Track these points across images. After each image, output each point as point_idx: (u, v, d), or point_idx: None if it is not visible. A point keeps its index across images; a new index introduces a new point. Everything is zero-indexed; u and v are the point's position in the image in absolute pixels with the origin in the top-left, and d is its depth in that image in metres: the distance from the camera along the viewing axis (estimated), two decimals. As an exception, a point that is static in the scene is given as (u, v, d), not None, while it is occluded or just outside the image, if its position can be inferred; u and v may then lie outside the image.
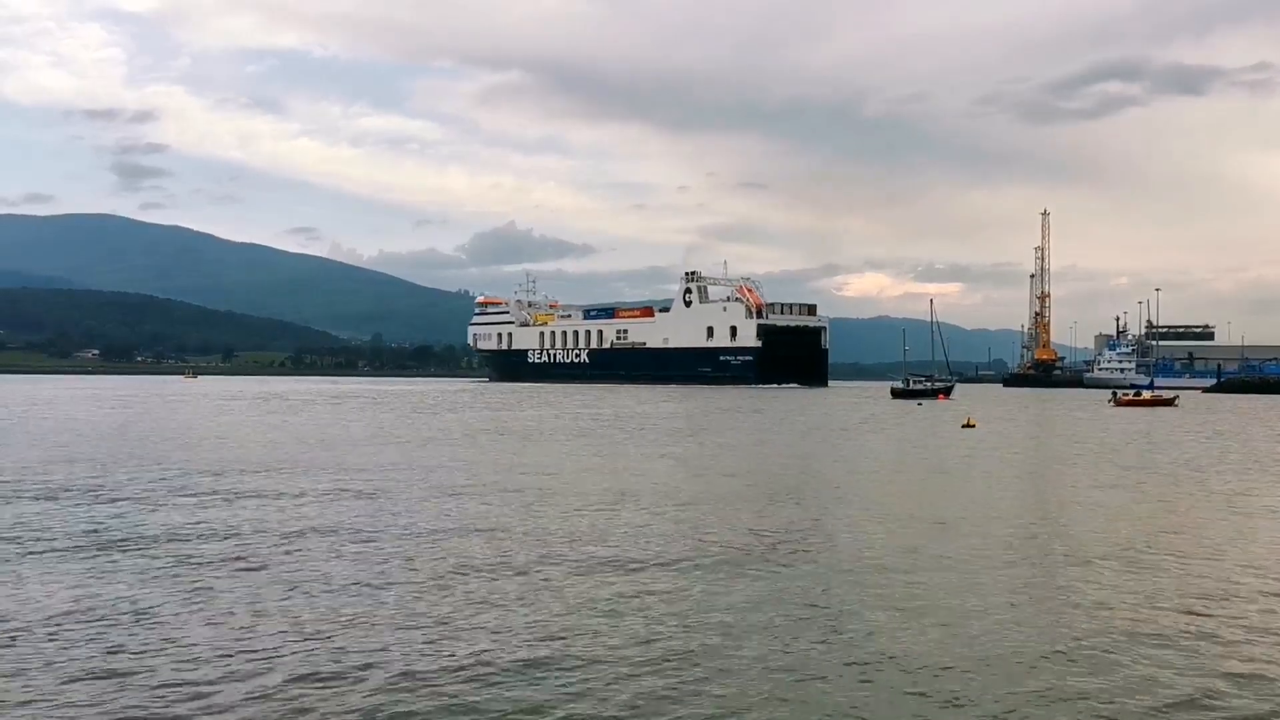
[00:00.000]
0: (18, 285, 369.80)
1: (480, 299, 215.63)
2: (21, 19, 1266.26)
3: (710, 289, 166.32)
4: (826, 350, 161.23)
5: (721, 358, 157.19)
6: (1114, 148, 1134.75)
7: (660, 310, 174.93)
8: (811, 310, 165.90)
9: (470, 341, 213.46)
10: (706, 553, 15.19)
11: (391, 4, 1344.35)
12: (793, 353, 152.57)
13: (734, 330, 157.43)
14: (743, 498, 21.62)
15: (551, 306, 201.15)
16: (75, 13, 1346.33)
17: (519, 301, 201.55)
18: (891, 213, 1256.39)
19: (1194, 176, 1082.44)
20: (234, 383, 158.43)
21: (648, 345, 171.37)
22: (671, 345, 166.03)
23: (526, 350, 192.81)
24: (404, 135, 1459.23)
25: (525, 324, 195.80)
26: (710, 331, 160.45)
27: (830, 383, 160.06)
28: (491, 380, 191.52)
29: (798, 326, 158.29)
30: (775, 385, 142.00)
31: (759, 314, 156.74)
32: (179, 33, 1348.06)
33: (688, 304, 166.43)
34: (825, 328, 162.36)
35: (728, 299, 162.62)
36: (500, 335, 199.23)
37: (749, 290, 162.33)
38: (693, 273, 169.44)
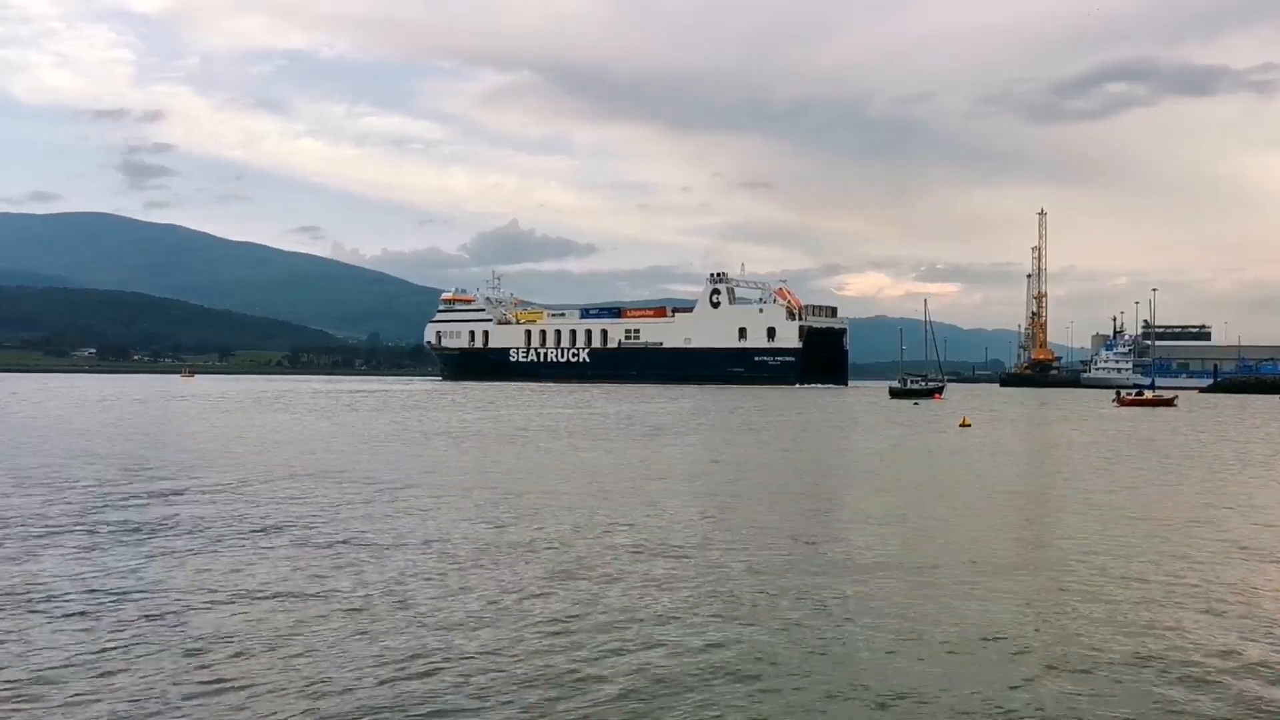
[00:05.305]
0: (15, 284, 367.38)
1: (446, 295, 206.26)
2: (29, 19, 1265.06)
3: (737, 290, 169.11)
4: (847, 351, 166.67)
5: (757, 358, 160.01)
6: (1117, 148, 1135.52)
7: (678, 311, 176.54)
8: (833, 312, 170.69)
9: (431, 339, 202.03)
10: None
11: (397, 4, 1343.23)
12: (822, 354, 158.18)
13: (771, 331, 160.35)
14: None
15: (516, 303, 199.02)
16: (83, 13, 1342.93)
17: (489, 299, 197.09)
18: (894, 212, 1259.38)
19: (1197, 176, 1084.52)
20: (225, 383, 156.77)
21: (664, 345, 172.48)
22: (695, 345, 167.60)
23: (508, 349, 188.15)
24: (407, 135, 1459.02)
25: (505, 322, 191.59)
26: (743, 332, 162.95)
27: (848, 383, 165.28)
28: (447, 379, 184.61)
29: (828, 329, 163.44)
30: (817, 385, 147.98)
31: (799, 316, 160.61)
32: (187, 33, 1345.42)
33: (715, 305, 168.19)
34: (847, 329, 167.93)
35: (761, 300, 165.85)
36: (473, 333, 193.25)
37: (788, 293, 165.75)
38: (720, 274, 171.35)
